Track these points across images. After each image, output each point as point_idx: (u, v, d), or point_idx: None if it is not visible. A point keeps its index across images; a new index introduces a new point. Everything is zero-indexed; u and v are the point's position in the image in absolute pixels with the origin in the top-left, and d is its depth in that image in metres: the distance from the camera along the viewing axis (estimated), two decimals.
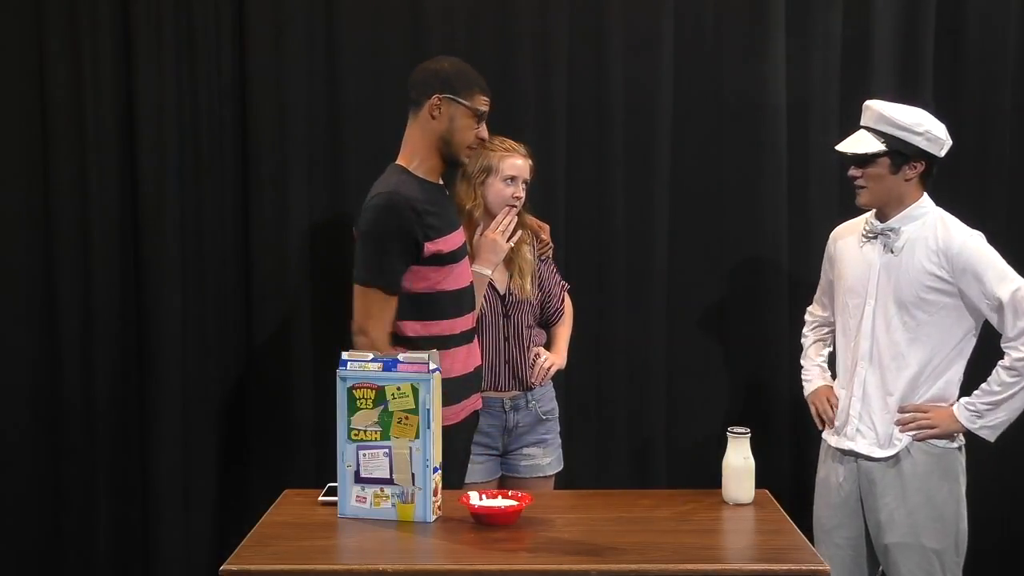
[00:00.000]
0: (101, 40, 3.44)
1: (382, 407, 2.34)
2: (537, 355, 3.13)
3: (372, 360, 2.36)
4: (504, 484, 3.09)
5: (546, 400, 3.18)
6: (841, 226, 3.11)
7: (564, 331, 3.26)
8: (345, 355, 2.39)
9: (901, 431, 2.85)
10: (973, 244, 2.83)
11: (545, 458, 3.17)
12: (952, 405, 2.85)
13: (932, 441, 2.86)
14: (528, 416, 3.12)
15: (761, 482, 2.54)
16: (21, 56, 3.45)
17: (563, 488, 3.22)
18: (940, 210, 2.92)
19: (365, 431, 2.35)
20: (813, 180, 3.62)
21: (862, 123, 2.92)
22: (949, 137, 2.89)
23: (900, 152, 2.83)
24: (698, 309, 3.64)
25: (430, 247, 2.70)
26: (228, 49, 3.49)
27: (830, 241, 3.11)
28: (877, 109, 2.87)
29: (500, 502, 2.38)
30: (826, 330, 3.18)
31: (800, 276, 3.60)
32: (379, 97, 3.47)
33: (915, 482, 2.85)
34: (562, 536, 2.28)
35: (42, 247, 3.48)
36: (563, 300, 3.26)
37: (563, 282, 3.29)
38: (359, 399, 2.35)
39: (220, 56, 3.49)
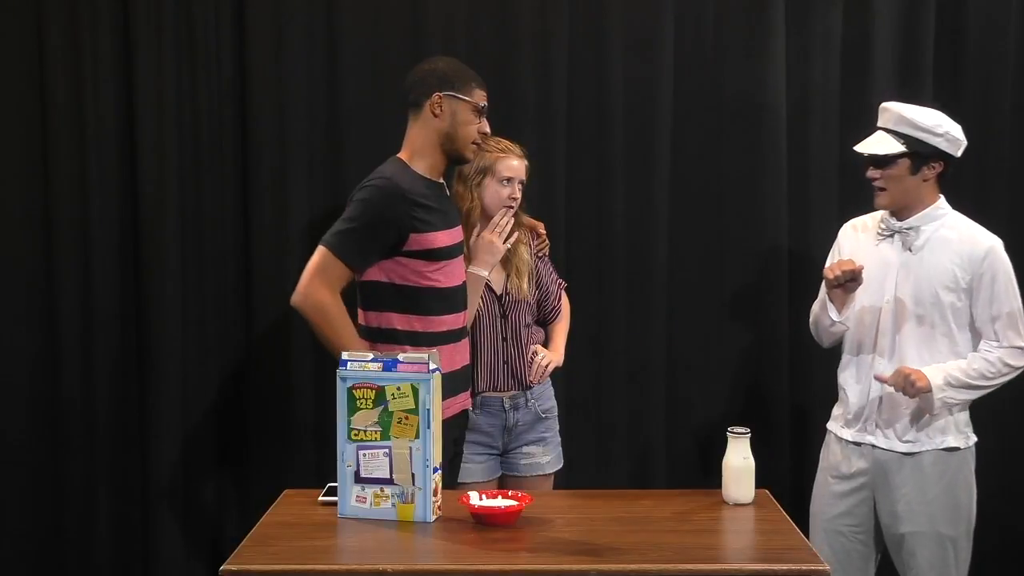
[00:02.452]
0: (101, 40, 3.44)
1: (382, 407, 2.34)
2: (535, 353, 3.13)
3: (372, 360, 2.36)
4: (504, 483, 3.09)
5: (545, 398, 3.18)
6: (853, 220, 3.10)
7: (562, 329, 3.27)
8: (345, 355, 2.39)
9: (890, 382, 2.84)
10: (999, 251, 2.87)
11: (545, 456, 3.17)
12: (930, 374, 2.82)
13: (948, 442, 2.88)
14: (527, 415, 3.13)
15: (761, 482, 2.54)
16: (21, 56, 3.45)
17: (563, 487, 3.22)
18: (958, 212, 2.93)
19: (365, 431, 2.35)
20: (813, 180, 3.62)
21: (880, 124, 2.91)
22: (965, 137, 2.90)
23: (919, 153, 2.84)
24: (698, 309, 3.64)
25: (417, 238, 2.70)
26: (228, 49, 3.49)
27: (841, 234, 3.09)
28: (896, 111, 2.86)
29: (500, 502, 2.38)
30: None
31: (800, 276, 3.60)
32: (379, 97, 3.47)
33: (934, 472, 2.87)
34: (562, 536, 2.28)
35: (42, 247, 3.48)
36: (560, 298, 3.26)
37: (560, 280, 3.29)
38: (359, 399, 2.35)
39: (220, 56, 3.49)
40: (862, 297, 2.95)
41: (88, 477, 3.52)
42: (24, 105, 3.46)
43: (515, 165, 3.05)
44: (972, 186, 3.63)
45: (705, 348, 3.65)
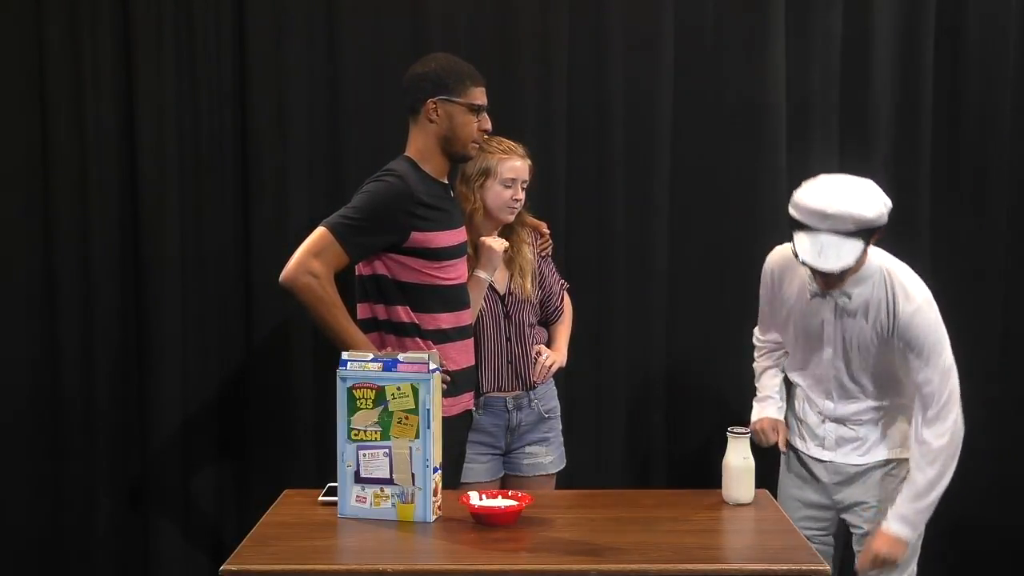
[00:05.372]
0: (101, 40, 3.44)
1: (382, 407, 2.34)
2: (539, 353, 3.14)
3: (372, 360, 2.36)
4: (507, 482, 3.09)
5: (548, 398, 3.18)
6: (779, 259, 2.91)
7: (564, 329, 3.27)
8: (345, 355, 2.39)
9: None
10: (920, 319, 2.72)
11: (547, 456, 3.17)
12: (882, 526, 2.75)
13: (904, 453, 2.84)
14: (531, 415, 3.13)
15: (761, 482, 2.54)
16: (21, 56, 3.45)
17: (563, 487, 3.22)
18: (883, 261, 2.79)
19: (365, 431, 2.35)
20: None
21: (828, 227, 2.61)
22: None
23: (870, 235, 2.68)
24: (698, 309, 3.64)
25: (419, 237, 2.71)
26: (228, 49, 3.49)
27: (768, 273, 2.94)
28: (846, 214, 2.60)
29: (500, 502, 2.39)
30: (778, 354, 3.09)
31: None
32: (379, 97, 3.47)
33: (893, 481, 2.86)
34: (562, 536, 2.29)
35: (42, 247, 3.48)
36: (562, 299, 3.26)
37: (562, 281, 3.29)
38: (359, 399, 2.35)
39: (220, 56, 3.49)
40: (803, 343, 2.88)
41: (88, 477, 3.52)
42: (24, 105, 3.46)
43: (518, 166, 3.05)
44: (972, 186, 3.64)
45: (705, 348, 3.65)
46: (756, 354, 3.15)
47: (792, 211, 2.70)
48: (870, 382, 2.84)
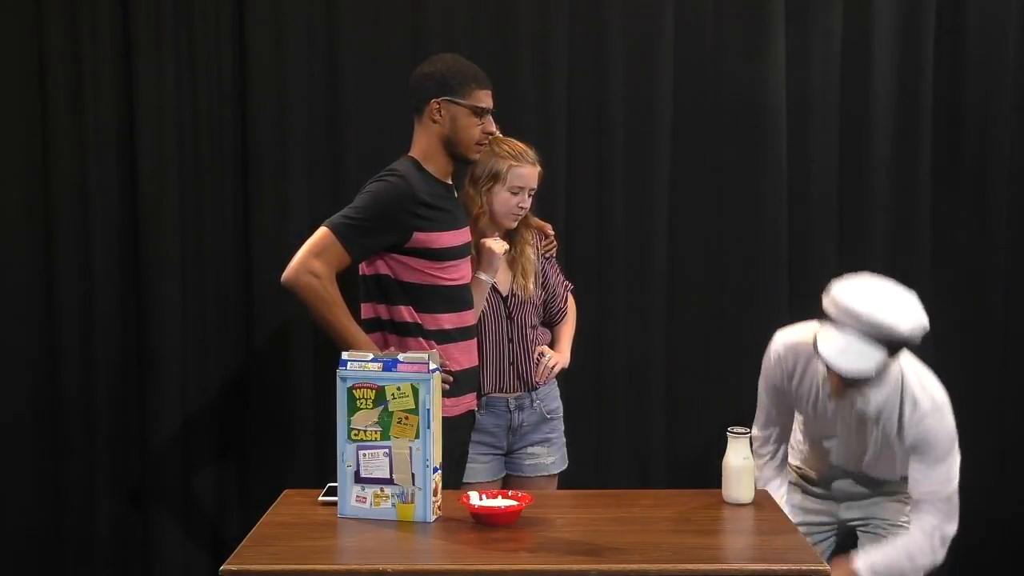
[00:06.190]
0: (101, 40, 3.44)
1: (382, 407, 2.34)
2: (541, 354, 3.13)
3: (372, 360, 2.36)
4: (508, 483, 3.09)
5: (550, 399, 3.18)
6: (790, 352, 2.78)
7: (567, 330, 3.27)
8: (345, 355, 2.39)
9: None
10: (923, 427, 2.64)
11: (549, 457, 3.16)
12: (852, 563, 2.68)
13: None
14: (533, 415, 3.12)
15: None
16: (21, 56, 3.45)
17: (563, 487, 3.22)
18: (901, 365, 2.65)
19: (365, 431, 2.35)
20: (813, 179, 3.62)
21: (857, 328, 2.49)
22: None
23: (896, 350, 2.56)
24: (698, 309, 3.64)
25: (421, 237, 2.71)
26: (228, 49, 3.49)
27: (777, 363, 2.81)
28: (878, 322, 2.49)
29: (500, 502, 2.38)
30: (778, 461, 2.96)
31: (800, 276, 3.60)
32: (379, 97, 3.47)
33: (904, 507, 2.83)
34: (562, 536, 2.29)
35: (42, 247, 3.48)
36: (566, 300, 3.26)
37: (566, 282, 3.29)
38: (359, 399, 2.35)
39: (220, 56, 3.49)
40: (814, 428, 2.84)
41: (88, 477, 3.52)
42: (24, 105, 3.46)
43: (526, 174, 3.03)
44: (972, 186, 3.64)
45: (705, 348, 3.65)
46: (757, 460, 2.82)
47: (826, 302, 2.57)
48: (879, 477, 2.80)
